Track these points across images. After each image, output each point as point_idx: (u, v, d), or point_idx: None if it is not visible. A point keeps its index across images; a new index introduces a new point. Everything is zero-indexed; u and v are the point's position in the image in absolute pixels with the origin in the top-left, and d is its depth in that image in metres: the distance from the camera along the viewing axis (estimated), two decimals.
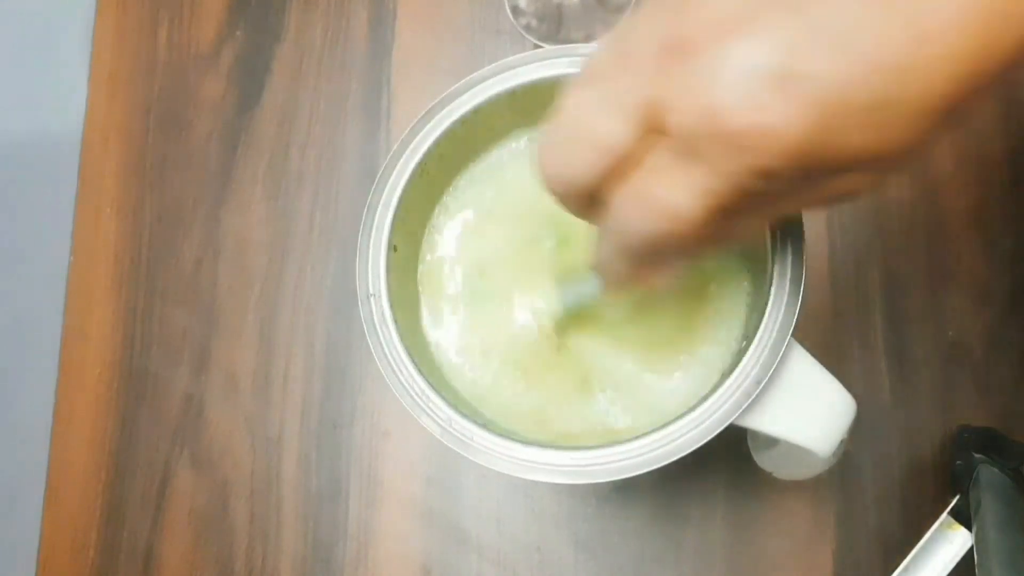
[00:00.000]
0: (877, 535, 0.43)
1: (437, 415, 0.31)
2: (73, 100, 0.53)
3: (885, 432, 0.43)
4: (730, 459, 0.44)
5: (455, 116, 0.34)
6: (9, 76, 0.51)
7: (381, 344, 0.32)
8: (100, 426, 0.48)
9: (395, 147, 0.34)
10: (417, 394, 0.31)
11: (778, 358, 0.30)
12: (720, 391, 0.30)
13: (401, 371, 0.31)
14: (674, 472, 0.44)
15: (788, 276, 0.31)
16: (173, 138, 0.51)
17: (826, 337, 0.45)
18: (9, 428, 0.48)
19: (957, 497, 0.40)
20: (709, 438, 0.30)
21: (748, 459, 0.43)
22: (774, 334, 0.30)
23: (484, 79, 0.34)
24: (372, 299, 0.32)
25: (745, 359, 0.30)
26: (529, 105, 0.35)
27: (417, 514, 0.45)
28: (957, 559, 0.39)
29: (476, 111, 0.34)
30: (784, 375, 0.30)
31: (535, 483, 0.45)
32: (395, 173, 0.34)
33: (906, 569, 0.40)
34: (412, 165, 0.34)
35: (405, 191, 0.34)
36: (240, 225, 0.50)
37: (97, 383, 0.48)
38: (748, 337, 0.31)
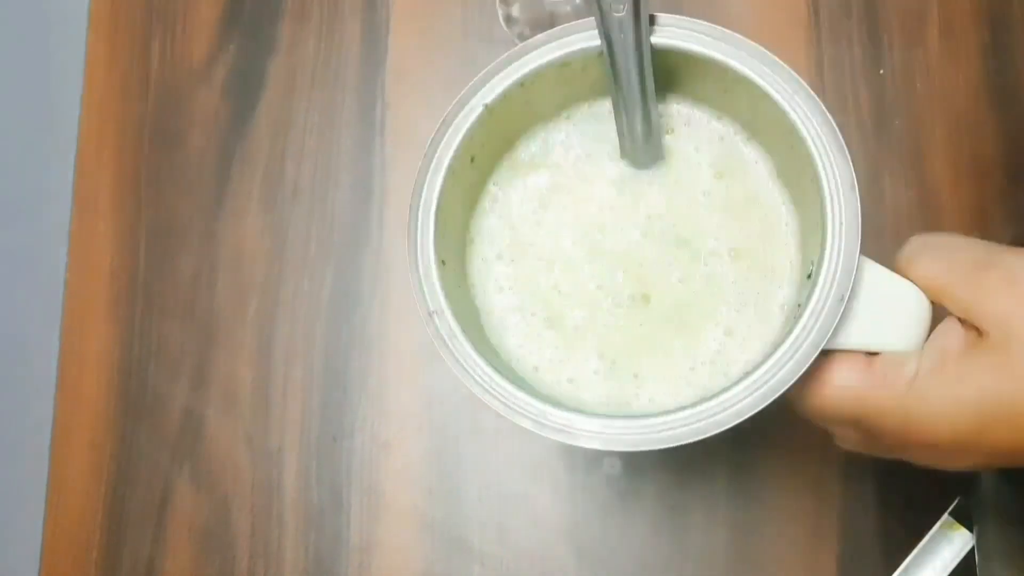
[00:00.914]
0: (879, 536, 0.43)
1: (530, 412, 0.31)
2: (66, 116, 0.53)
3: None
4: (731, 463, 0.44)
5: (492, 95, 0.34)
6: (1, 93, 0.51)
7: (456, 358, 0.31)
8: (99, 443, 0.48)
9: (420, 163, 0.34)
10: (505, 398, 0.31)
11: (853, 273, 0.30)
12: (800, 326, 0.30)
13: (484, 380, 0.31)
14: (675, 476, 0.44)
15: (842, 195, 0.31)
16: (167, 153, 0.51)
17: None
18: (8, 447, 0.48)
19: (958, 498, 0.40)
20: (808, 364, 0.30)
21: (748, 460, 0.43)
22: (841, 254, 0.31)
23: (497, 71, 0.34)
24: (435, 316, 0.32)
25: (819, 284, 0.30)
26: (573, 78, 0.35)
27: (419, 525, 0.45)
28: (958, 559, 0.39)
29: (506, 95, 0.34)
30: (860, 289, 0.31)
31: (535, 492, 0.45)
32: (426, 187, 0.33)
33: (907, 569, 0.40)
34: (442, 172, 0.33)
35: (441, 200, 0.33)
36: (236, 239, 0.49)
37: (95, 400, 0.48)
38: (815, 263, 0.31)
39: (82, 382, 0.49)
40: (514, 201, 0.37)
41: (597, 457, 0.45)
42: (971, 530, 0.39)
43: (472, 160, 0.35)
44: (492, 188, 0.37)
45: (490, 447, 0.46)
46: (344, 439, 0.47)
